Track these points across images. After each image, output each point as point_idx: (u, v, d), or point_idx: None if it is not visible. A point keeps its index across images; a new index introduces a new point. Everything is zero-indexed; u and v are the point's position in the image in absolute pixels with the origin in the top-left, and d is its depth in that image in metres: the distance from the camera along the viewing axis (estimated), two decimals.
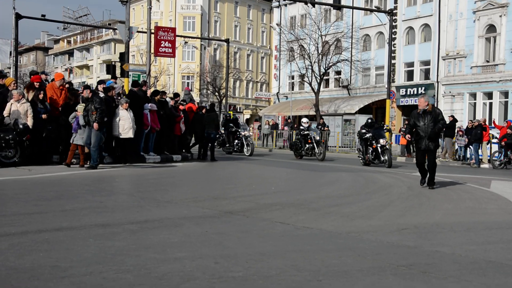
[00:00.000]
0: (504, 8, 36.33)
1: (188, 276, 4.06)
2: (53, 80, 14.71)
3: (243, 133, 23.50)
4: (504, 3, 36.29)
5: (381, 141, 18.54)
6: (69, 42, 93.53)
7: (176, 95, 19.15)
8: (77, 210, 6.89)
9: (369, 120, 19.73)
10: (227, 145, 24.30)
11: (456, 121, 26.15)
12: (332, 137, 33.95)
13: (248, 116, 68.33)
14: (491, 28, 37.45)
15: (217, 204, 7.85)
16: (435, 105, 40.00)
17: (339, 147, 33.55)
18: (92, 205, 7.44)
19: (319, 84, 42.43)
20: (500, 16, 36.56)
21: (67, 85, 14.86)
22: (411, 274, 4.35)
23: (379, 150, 18.66)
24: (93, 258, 4.46)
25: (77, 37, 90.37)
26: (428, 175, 11.40)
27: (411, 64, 43.08)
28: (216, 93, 58.86)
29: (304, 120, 22.68)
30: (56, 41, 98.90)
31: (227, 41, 43.73)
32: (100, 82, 16.25)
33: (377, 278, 4.20)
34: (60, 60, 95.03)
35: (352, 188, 11.30)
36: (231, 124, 24.42)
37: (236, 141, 23.74)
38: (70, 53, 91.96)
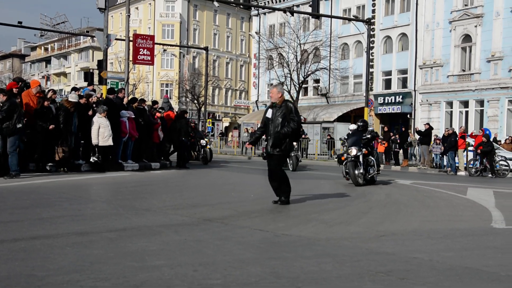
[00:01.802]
0: (479, 19, 36.93)
1: (167, 284, 4.04)
2: (29, 87, 14.54)
3: None
4: (479, 14, 36.90)
5: (352, 150, 13.74)
6: (46, 49, 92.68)
7: (154, 102, 19.08)
8: (54, 218, 6.81)
9: (359, 123, 14.87)
10: None
11: (432, 129, 26.44)
12: (311, 145, 34.09)
13: (227, 124, 68.33)
14: (467, 38, 38.04)
15: (196, 212, 7.81)
16: (413, 114, 40.69)
17: (318, 154, 33.67)
18: (70, 213, 7.36)
19: (298, 92, 42.62)
20: (476, 26, 37.16)
21: (51, 93, 14.75)
22: (390, 280, 4.37)
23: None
24: (70, 266, 4.41)
25: (54, 44, 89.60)
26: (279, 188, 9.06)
27: (388, 73, 43.52)
28: (195, 101, 58.75)
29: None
30: (33, 48, 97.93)
31: (206, 49, 43.76)
32: (74, 89, 16.14)
33: (356, 285, 4.21)
34: (37, 67, 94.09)
35: (331, 195, 11.33)
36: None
37: None
38: (47, 61, 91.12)
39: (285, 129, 8.63)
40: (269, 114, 8.89)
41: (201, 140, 21.71)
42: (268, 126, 8.88)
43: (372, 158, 13.99)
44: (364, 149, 13.64)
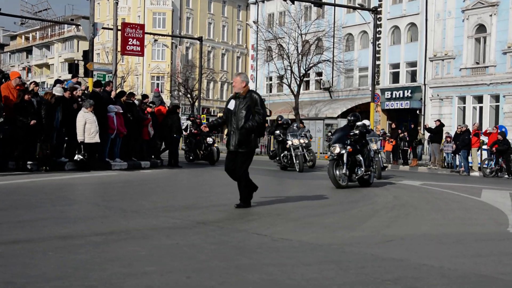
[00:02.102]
0: (494, 7, 36.92)
1: None
2: (8, 79, 14.49)
3: (289, 143, 19.09)
4: (494, 2, 36.88)
5: (335, 147, 13.10)
6: (27, 38, 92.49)
7: (144, 96, 19.06)
8: (36, 221, 6.81)
9: (350, 118, 14.26)
10: (277, 158, 20.46)
11: (443, 125, 26.42)
12: (313, 143, 34.09)
13: None
14: (481, 28, 38.01)
15: (189, 214, 7.81)
16: (423, 110, 40.70)
17: (320, 153, 33.69)
18: (52, 215, 7.35)
19: (299, 86, 42.59)
20: (490, 15, 37.14)
21: (33, 86, 14.71)
22: None
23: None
24: (53, 273, 4.40)
25: (36, 33, 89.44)
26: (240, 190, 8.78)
27: (396, 66, 43.50)
28: (188, 95, 58.72)
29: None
30: (13, 38, 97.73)
31: (200, 39, 43.70)
32: (58, 82, 16.10)
33: None
34: (17, 58, 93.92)
35: (334, 196, 11.33)
36: (277, 132, 20.29)
37: (285, 152, 19.62)
38: (28, 51, 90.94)
39: (250, 123, 8.31)
40: (232, 105, 8.55)
41: (208, 138, 21.29)
42: (230, 119, 8.53)
43: (361, 158, 13.21)
44: (349, 147, 12.90)
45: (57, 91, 14.63)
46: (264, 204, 9.26)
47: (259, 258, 5.24)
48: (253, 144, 8.54)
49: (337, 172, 12.88)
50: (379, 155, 16.38)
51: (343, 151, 12.86)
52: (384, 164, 17.02)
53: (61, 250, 5.20)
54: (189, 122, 22.50)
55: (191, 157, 21.68)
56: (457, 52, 38.95)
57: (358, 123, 13.69)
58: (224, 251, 5.51)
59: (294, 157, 19.11)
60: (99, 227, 6.54)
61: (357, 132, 13.27)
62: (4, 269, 4.46)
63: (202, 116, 51.06)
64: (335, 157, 12.91)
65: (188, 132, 21.93)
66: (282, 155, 19.83)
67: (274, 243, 6.00)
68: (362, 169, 13.19)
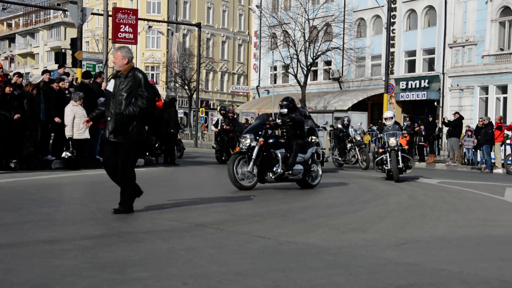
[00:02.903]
0: None
1: None
2: None
3: (357, 138, 20.00)
4: None
5: (245, 138, 11.63)
6: (9, 25, 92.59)
7: None
8: (19, 224, 6.83)
9: (281, 102, 12.95)
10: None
11: (463, 118, 26.35)
12: (322, 138, 34.06)
13: None
14: (506, 10, 37.85)
15: (186, 216, 7.83)
16: (441, 101, 40.63)
17: (329, 149, 33.63)
18: (38, 217, 7.38)
19: (306, 76, 42.56)
20: None
21: (16, 78, 14.68)
22: None
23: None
24: (38, 279, 4.42)
25: (19, 20, 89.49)
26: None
27: (412, 53, 43.41)
28: (186, 87, 58.72)
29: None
30: None
31: (198, 25, 43.70)
32: (45, 72, 16.10)
33: None
34: None
35: (344, 196, 11.34)
36: (339, 126, 21.07)
37: (349, 146, 20.30)
38: (10, 39, 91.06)
39: (130, 108, 7.44)
40: (111, 86, 7.69)
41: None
42: (108, 102, 7.67)
43: (279, 153, 11.59)
44: (260, 139, 11.45)
45: (33, 79, 14.37)
46: (268, 204, 9.28)
47: (262, 263, 5.26)
48: (135, 133, 7.63)
49: (240, 170, 11.37)
50: (398, 153, 15.01)
51: (254, 144, 11.42)
52: (410, 164, 15.70)
53: (47, 255, 5.22)
54: (220, 117, 21.33)
55: (223, 157, 20.34)
56: (479, 38, 38.80)
57: (282, 110, 12.31)
58: (224, 255, 5.52)
59: (359, 154, 19.02)
60: (88, 230, 6.56)
61: (278, 121, 12.04)
62: None
63: (200, 109, 51.15)
64: (244, 150, 11.53)
65: (219, 128, 20.72)
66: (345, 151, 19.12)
67: (279, 247, 6.02)
68: (280, 166, 11.56)
